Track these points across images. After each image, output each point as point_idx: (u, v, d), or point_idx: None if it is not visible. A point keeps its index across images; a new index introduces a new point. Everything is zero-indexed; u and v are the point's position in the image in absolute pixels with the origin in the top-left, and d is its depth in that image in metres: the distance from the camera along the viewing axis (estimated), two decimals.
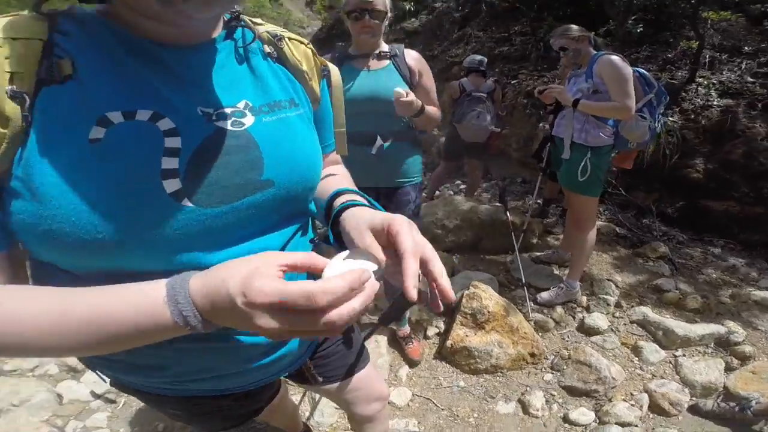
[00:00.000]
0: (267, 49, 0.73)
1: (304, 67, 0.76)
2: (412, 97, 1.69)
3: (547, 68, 6.51)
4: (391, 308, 0.85)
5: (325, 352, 1.02)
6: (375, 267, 0.52)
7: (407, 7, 10.43)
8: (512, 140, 5.57)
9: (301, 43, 0.79)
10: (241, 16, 0.71)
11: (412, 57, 1.87)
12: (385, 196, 1.96)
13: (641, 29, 5.13)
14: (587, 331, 2.64)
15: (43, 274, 0.57)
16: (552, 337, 2.62)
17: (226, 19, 0.69)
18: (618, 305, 2.86)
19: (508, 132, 5.15)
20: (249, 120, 0.63)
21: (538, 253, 3.43)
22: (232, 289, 0.44)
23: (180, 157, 0.55)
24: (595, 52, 2.50)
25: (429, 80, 1.91)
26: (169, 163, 0.54)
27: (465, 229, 3.55)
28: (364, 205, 0.67)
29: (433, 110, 1.87)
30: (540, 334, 2.59)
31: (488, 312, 2.39)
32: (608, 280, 3.07)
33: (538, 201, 4.15)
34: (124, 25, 0.58)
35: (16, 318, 0.45)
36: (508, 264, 3.30)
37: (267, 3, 13.57)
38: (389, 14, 1.79)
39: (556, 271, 3.22)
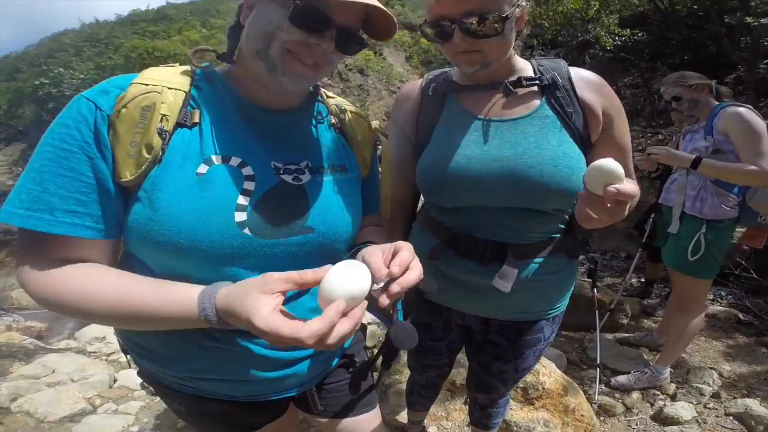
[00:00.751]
0: (333, 120, 0.91)
1: (360, 138, 0.94)
2: (632, 188, 0.74)
3: (663, 124, 5.88)
4: (384, 346, 0.88)
5: (331, 386, 1.00)
6: (368, 275, 0.59)
7: None
8: None
9: (361, 117, 0.98)
10: (320, 90, 0.92)
11: (588, 83, 1.02)
12: (499, 330, 1.19)
13: None
14: (664, 420, 2.25)
15: (129, 264, 0.73)
16: (616, 424, 2.26)
17: (309, 92, 0.89)
18: (715, 396, 2.44)
19: None
20: (306, 177, 0.80)
21: (627, 335, 3.10)
22: (242, 312, 0.57)
23: (251, 197, 0.72)
24: (716, 102, 2.09)
25: (622, 125, 1.04)
26: (243, 200, 0.71)
27: None
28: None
29: (632, 189, 0.77)
30: (602, 418, 2.27)
31: (543, 388, 2.12)
32: (711, 368, 2.66)
33: (641, 280, 3.79)
34: (238, 86, 0.78)
35: (96, 291, 0.64)
36: (586, 342, 3.02)
37: (373, 57, 15.08)
38: (518, 7, 0.93)
39: (646, 356, 2.84)
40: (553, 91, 1.01)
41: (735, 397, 2.42)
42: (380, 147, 1.02)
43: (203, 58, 0.81)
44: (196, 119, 0.71)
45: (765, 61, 4.42)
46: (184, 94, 0.71)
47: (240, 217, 0.70)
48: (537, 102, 1.02)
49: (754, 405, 2.28)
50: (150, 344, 0.80)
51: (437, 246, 1.09)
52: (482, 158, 0.98)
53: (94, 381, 2.14)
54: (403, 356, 2.30)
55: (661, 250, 2.42)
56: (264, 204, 0.73)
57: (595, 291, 2.89)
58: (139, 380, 0.91)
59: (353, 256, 0.77)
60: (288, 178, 0.77)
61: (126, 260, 0.75)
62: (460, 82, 1.09)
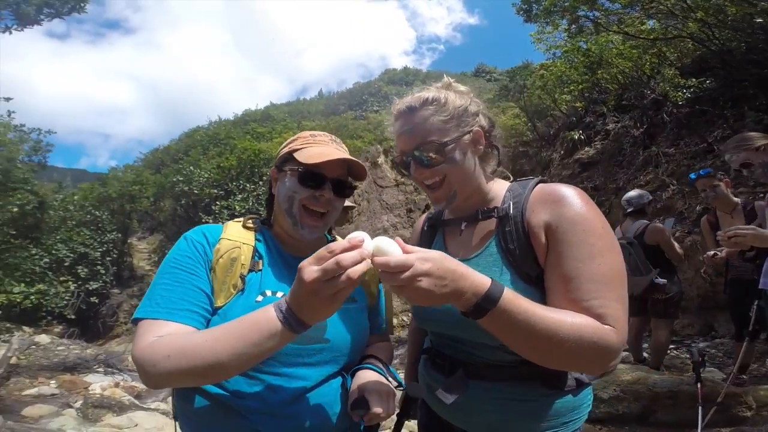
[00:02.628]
0: None
1: (366, 276, 1.07)
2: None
3: None
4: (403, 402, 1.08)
5: None
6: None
7: (576, 137, 9.96)
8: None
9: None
10: (336, 237, 1.27)
11: (543, 200, 0.94)
12: None
13: None
14: None
15: None
16: None
17: (327, 239, 1.24)
18: None
19: (684, 281, 4.25)
20: None
21: (748, 428, 2.78)
22: (296, 284, 0.79)
23: None
24: None
25: (584, 246, 0.86)
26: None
27: (627, 401, 3.07)
28: (375, 370, 1.04)
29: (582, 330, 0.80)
30: None
31: None
32: None
33: (742, 375, 3.32)
34: (279, 240, 1.13)
35: (204, 343, 0.83)
36: None
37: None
38: (468, 133, 1.01)
39: None
40: (503, 225, 0.98)
41: None
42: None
43: (252, 222, 1.15)
44: (260, 267, 1.05)
45: None
46: (253, 248, 1.06)
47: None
48: (490, 237, 1.01)
49: None
50: (197, 415, 0.97)
51: (419, 355, 1.25)
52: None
53: None
54: None
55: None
56: None
57: (699, 385, 2.51)
58: None
59: (358, 370, 1.04)
60: None
61: None
62: (447, 215, 1.17)
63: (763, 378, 3.75)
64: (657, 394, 2.98)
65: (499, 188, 1.08)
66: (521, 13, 8.98)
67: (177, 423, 1.04)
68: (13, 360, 6.56)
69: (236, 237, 1.06)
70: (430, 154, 1.00)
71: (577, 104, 10.99)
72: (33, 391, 5.48)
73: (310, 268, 0.76)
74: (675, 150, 7.36)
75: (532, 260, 0.92)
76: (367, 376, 1.02)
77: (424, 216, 1.28)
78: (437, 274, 0.74)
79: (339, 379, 1.05)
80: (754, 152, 1.92)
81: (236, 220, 1.15)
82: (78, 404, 5.01)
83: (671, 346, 4.39)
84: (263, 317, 0.82)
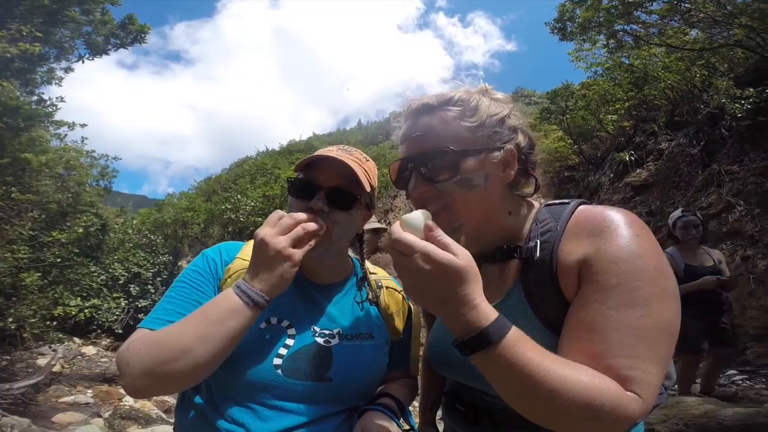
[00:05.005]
0: (370, 295, 1.12)
1: (392, 311, 1.15)
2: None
3: None
4: None
5: None
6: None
7: (627, 158, 9.27)
8: None
9: (396, 290, 1.18)
10: (365, 268, 1.15)
11: (581, 229, 0.76)
12: None
13: None
14: None
15: None
16: None
17: (359, 275, 1.14)
18: None
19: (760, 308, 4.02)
20: (335, 341, 1.02)
21: None
22: (254, 246, 0.86)
23: (288, 350, 0.96)
24: None
25: (611, 294, 0.68)
26: (282, 351, 0.96)
27: None
28: (383, 412, 0.97)
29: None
30: None
31: None
32: None
33: None
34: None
35: (171, 333, 0.84)
36: None
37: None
38: (499, 150, 0.81)
39: None
40: (528, 270, 0.79)
41: None
42: (412, 315, 1.20)
43: None
44: None
45: None
46: None
47: (277, 361, 0.95)
48: (512, 282, 0.82)
49: None
50: (186, 427, 0.97)
51: (436, 397, 1.11)
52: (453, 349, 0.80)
53: None
54: None
55: None
56: (297, 355, 0.96)
57: None
58: None
59: (366, 411, 0.98)
60: (321, 340, 1.00)
61: None
62: None
63: None
64: (727, 428, 2.65)
65: (525, 215, 0.86)
66: (555, 31, 8.80)
67: None
68: (57, 368, 6.93)
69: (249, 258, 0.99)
70: (439, 166, 0.76)
71: (625, 123, 10.40)
72: (69, 399, 5.71)
73: (264, 228, 0.84)
74: (739, 167, 6.68)
75: (560, 307, 0.73)
76: (372, 416, 0.95)
77: None
78: (435, 283, 0.62)
79: (340, 418, 0.99)
80: None
81: None
82: (107, 414, 5.13)
83: (742, 376, 3.99)
84: (221, 295, 0.86)
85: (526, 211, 0.87)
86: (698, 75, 7.42)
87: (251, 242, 0.99)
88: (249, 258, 0.92)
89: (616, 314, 0.65)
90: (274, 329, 0.96)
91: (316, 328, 1.01)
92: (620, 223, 0.71)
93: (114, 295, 12.69)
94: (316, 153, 1.00)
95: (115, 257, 14.54)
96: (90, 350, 8.98)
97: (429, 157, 0.78)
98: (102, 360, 8.35)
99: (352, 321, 1.06)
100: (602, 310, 0.66)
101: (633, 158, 9.19)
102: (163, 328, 0.87)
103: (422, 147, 0.79)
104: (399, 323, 1.15)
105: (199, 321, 0.82)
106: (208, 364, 0.82)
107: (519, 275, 0.81)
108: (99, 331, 11.09)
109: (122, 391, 6.59)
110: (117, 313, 12.10)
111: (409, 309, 1.20)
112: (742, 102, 6.40)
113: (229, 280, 0.98)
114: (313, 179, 0.97)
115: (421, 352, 1.22)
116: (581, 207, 0.79)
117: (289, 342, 0.96)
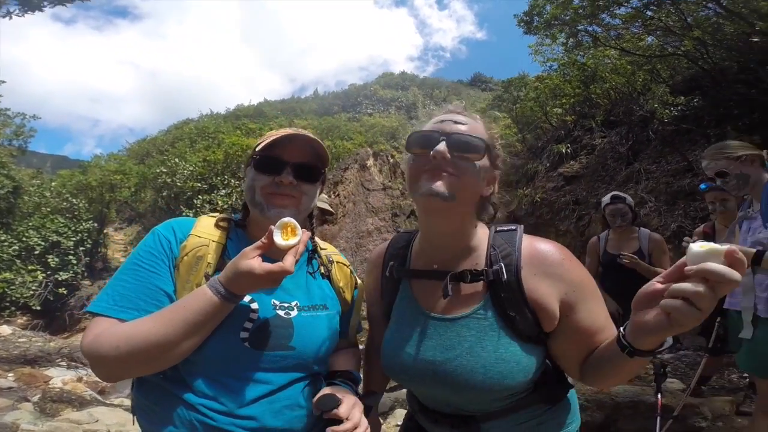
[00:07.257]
0: (322, 269, 1.19)
1: (341, 284, 1.22)
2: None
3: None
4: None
5: None
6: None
7: (564, 150, 9.98)
8: None
9: (345, 265, 1.27)
10: (316, 244, 1.22)
11: (541, 266, 0.94)
12: None
13: None
14: None
15: None
16: None
17: (309, 249, 1.18)
18: None
19: None
20: (294, 313, 1.06)
21: None
22: (239, 266, 0.87)
23: (253, 323, 0.99)
24: None
25: (592, 304, 0.94)
26: (247, 324, 0.99)
27: (590, 410, 3.15)
28: (342, 386, 1.06)
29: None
30: None
31: None
32: None
33: (702, 386, 3.46)
34: (252, 239, 1.05)
35: (135, 327, 0.88)
36: None
37: None
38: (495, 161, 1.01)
39: None
40: (497, 290, 0.92)
41: None
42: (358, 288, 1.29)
43: (228, 220, 1.11)
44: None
45: None
46: (222, 246, 1.03)
47: (243, 334, 0.98)
48: (479, 299, 0.94)
49: None
50: (152, 406, 0.97)
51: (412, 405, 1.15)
52: (417, 359, 0.97)
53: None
54: None
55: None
56: (260, 329, 1.00)
57: (659, 396, 2.65)
58: None
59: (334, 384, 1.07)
60: (281, 313, 1.04)
61: None
62: (415, 262, 1.07)
63: (721, 389, 3.83)
64: (619, 404, 3.08)
65: (481, 236, 1.02)
66: (522, 24, 9.04)
67: (135, 417, 1.02)
68: None
69: (206, 234, 1.03)
70: (471, 146, 0.93)
71: (568, 118, 11.11)
72: None
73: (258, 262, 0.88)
74: (656, 167, 7.44)
75: (534, 324, 0.93)
76: (342, 390, 1.05)
77: (382, 251, 1.18)
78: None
79: (304, 383, 1.05)
80: (732, 162, 1.87)
81: (211, 215, 1.11)
82: (36, 398, 4.73)
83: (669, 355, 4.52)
84: (199, 289, 0.91)
85: (481, 234, 1.03)
86: (641, 79, 8.08)
87: (203, 218, 1.08)
88: (204, 235, 1.01)
89: (602, 310, 0.96)
90: (239, 305, 0.97)
91: (275, 301, 1.04)
92: (564, 257, 0.96)
93: (29, 267, 11.42)
94: (277, 134, 1.06)
95: (30, 224, 12.94)
96: (5, 330, 8.06)
97: (466, 136, 0.94)
98: (20, 340, 7.55)
99: (307, 293, 1.12)
100: (596, 315, 0.95)
101: (569, 150, 9.89)
102: (133, 319, 0.90)
103: (462, 128, 0.95)
104: (348, 296, 1.24)
105: (171, 312, 0.88)
106: (190, 350, 0.90)
107: (487, 293, 0.95)
108: (13, 308, 9.97)
109: (48, 373, 6.09)
110: (33, 287, 10.92)
111: (355, 282, 1.29)
112: (672, 108, 7.12)
113: (186, 258, 0.98)
114: (278, 156, 1.05)
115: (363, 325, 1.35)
116: (525, 237, 0.99)
117: (253, 316, 1.00)
